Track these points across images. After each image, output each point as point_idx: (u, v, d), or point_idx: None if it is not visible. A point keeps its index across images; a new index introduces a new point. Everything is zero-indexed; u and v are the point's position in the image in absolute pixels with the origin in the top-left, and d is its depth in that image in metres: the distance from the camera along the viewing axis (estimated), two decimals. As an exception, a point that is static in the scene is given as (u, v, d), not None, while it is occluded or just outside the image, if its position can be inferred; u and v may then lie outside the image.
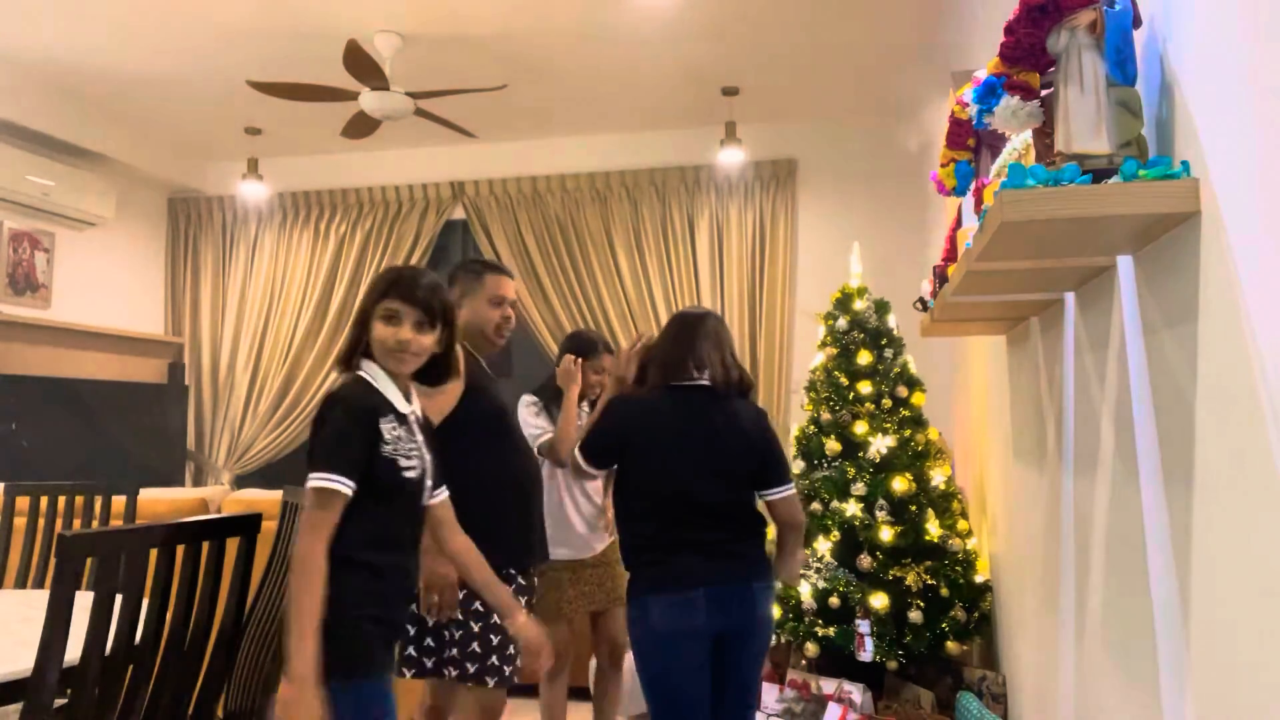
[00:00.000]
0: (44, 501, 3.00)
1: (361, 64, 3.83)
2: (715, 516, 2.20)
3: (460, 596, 2.23)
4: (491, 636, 2.25)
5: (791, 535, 2.33)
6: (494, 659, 2.25)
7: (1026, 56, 1.25)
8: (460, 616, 2.24)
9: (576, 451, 2.33)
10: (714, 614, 2.15)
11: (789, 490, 2.30)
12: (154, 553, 1.71)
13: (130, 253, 5.98)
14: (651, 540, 2.19)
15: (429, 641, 2.29)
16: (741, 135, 5.11)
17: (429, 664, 2.29)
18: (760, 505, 2.34)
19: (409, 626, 2.29)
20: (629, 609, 2.23)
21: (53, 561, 2.16)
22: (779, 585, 2.78)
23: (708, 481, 2.20)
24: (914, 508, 3.16)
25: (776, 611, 3.14)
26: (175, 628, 1.78)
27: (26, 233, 5.12)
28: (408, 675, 2.29)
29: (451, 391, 2.23)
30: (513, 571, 2.30)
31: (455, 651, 2.25)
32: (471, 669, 2.23)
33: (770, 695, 3.00)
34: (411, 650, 2.30)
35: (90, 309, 5.59)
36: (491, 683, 2.24)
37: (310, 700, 1.51)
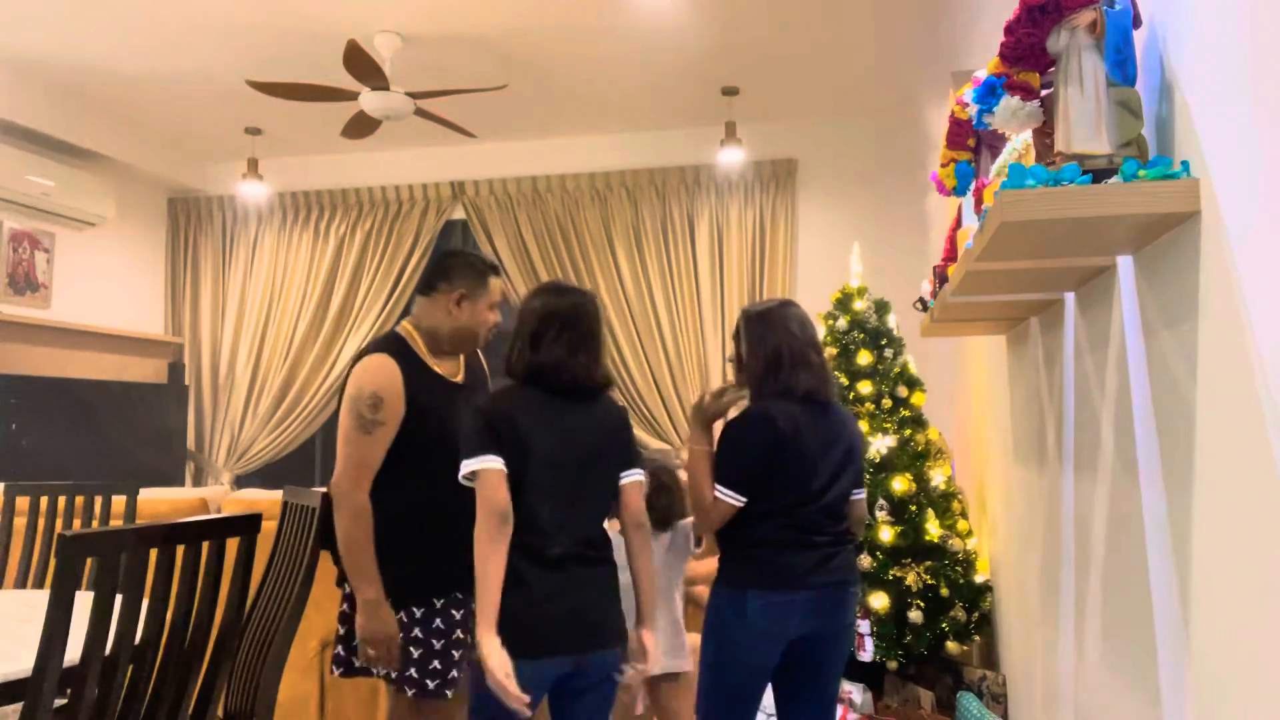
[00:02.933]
0: (44, 501, 3.00)
1: (361, 64, 3.83)
2: (833, 517, 2.17)
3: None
4: (411, 649, 2.17)
5: (856, 534, 2.33)
6: (412, 670, 2.17)
7: (1026, 56, 1.25)
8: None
9: (717, 490, 2.12)
10: (809, 616, 2.10)
11: (864, 492, 2.33)
12: (154, 553, 1.71)
13: (130, 253, 5.98)
14: (762, 536, 2.11)
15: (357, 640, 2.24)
16: (741, 135, 5.11)
17: (357, 663, 2.23)
18: None
19: (339, 627, 2.26)
20: (719, 596, 2.13)
21: (53, 561, 2.16)
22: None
23: (835, 484, 2.17)
24: (914, 508, 3.16)
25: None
26: (175, 628, 1.78)
27: (26, 233, 5.12)
28: (335, 673, 2.25)
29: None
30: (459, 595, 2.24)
31: None
32: (393, 674, 2.18)
33: (770, 695, 2.99)
34: (340, 650, 2.26)
35: (90, 309, 5.59)
36: (410, 692, 2.17)
37: None
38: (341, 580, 2.26)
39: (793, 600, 2.09)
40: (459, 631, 2.22)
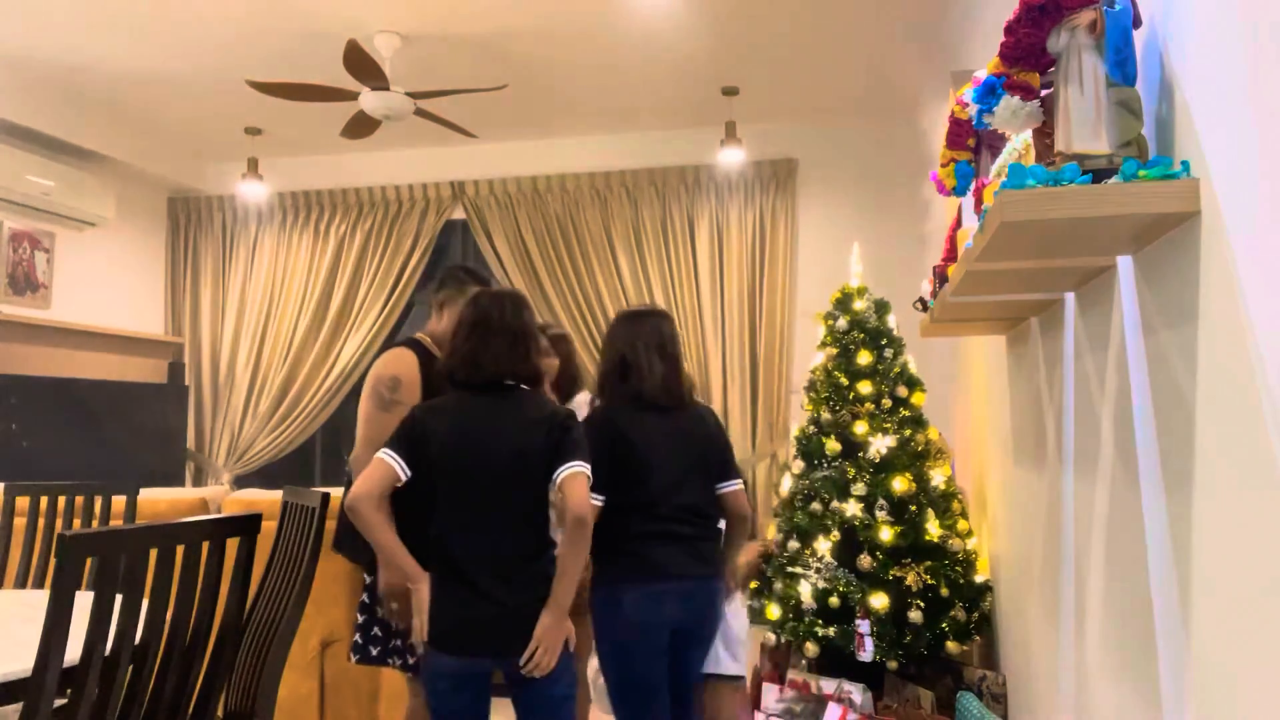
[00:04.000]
0: (44, 501, 3.00)
1: (361, 64, 3.83)
2: (693, 512, 2.30)
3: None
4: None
5: (740, 527, 2.44)
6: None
7: (1026, 56, 1.25)
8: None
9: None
10: (680, 606, 2.23)
11: (740, 483, 2.43)
12: (154, 553, 1.71)
13: (130, 253, 5.98)
14: (628, 532, 2.24)
15: (375, 631, 2.35)
16: (741, 135, 5.11)
17: (374, 652, 2.35)
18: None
19: (358, 615, 2.36)
20: (596, 596, 2.25)
21: (53, 561, 2.16)
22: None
23: (688, 480, 2.30)
24: (914, 508, 3.16)
25: (777, 611, 3.15)
26: (175, 628, 1.78)
27: (26, 233, 5.12)
28: (353, 659, 2.36)
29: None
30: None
31: (399, 642, 2.33)
32: (411, 661, 2.32)
33: (770, 695, 2.99)
34: (358, 638, 2.36)
35: (90, 309, 5.59)
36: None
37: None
38: (371, 569, 2.33)
39: (664, 590, 2.21)
40: None
